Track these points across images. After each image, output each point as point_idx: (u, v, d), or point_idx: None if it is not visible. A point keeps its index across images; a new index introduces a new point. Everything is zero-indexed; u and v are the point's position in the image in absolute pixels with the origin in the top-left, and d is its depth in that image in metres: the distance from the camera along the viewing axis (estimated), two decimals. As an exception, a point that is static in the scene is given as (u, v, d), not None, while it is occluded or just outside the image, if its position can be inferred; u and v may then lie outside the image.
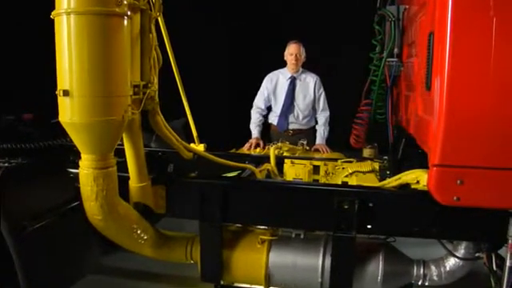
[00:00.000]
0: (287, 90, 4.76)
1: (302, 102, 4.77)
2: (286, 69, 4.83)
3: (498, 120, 1.70)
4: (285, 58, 4.81)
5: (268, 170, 3.08)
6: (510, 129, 1.70)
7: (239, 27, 7.60)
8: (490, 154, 1.74)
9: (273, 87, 4.83)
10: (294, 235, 2.51)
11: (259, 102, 4.86)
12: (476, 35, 1.68)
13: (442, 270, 2.41)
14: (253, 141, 4.51)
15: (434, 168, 1.82)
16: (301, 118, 4.79)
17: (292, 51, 4.70)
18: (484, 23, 1.66)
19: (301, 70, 4.81)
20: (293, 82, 4.76)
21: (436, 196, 1.85)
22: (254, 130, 4.76)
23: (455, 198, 1.81)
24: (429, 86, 1.88)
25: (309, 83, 4.77)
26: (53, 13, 1.89)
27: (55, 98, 1.97)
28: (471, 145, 1.74)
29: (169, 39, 2.92)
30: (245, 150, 4.31)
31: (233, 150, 4.16)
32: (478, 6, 1.66)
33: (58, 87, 1.92)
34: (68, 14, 1.83)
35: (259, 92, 4.90)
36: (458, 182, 1.78)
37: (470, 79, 1.69)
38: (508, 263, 1.84)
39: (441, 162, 1.78)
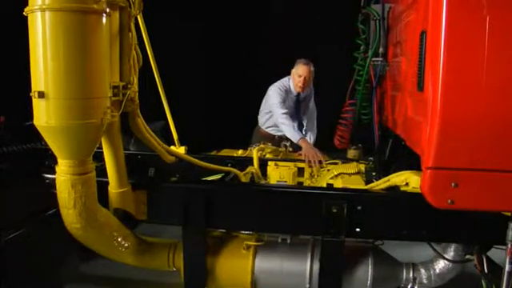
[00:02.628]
0: (296, 111, 4.55)
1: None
2: (290, 84, 4.52)
3: (493, 121, 1.66)
4: (292, 76, 4.51)
5: (252, 172, 3.01)
6: (506, 129, 1.66)
7: (220, 28, 7.50)
8: (486, 156, 1.69)
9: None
10: (280, 240, 2.46)
11: (283, 109, 4.39)
12: (471, 34, 1.63)
13: (432, 272, 2.39)
14: (313, 151, 3.52)
15: (428, 171, 1.77)
16: None
17: (301, 73, 4.38)
18: (479, 22, 1.61)
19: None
20: (298, 101, 4.57)
21: (430, 199, 1.80)
22: (298, 131, 4.16)
23: (449, 200, 1.77)
24: (421, 87, 1.83)
25: (307, 94, 4.63)
26: (26, 9, 1.78)
27: (29, 99, 1.86)
28: (466, 146, 1.69)
29: (148, 38, 2.82)
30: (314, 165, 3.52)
31: (213, 152, 4.06)
32: (473, 5, 1.62)
33: (33, 88, 1.82)
34: (43, 10, 1.73)
35: (277, 96, 4.40)
36: (453, 184, 1.74)
37: (464, 79, 1.64)
38: (507, 268, 1.81)
39: (435, 164, 1.73)
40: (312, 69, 4.45)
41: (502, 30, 1.64)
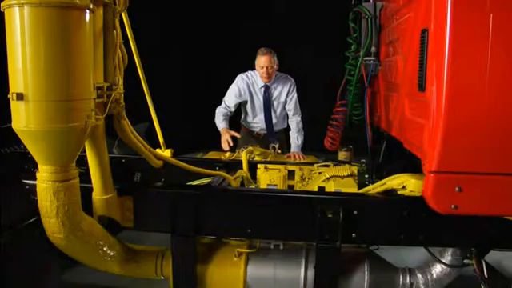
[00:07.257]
0: (264, 102, 4.50)
1: (277, 110, 4.61)
2: (257, 75, 4.51)
3: (498, 122, 1.60)
4: (256, 68, 4.47)
5: (242, 176, 2.91)
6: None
7: (204, 28, 7.39)
8: (491, 159, 1.63)
9: (248, 91, 4.51)
10: (272, 246, 2.38)
11: (231, 102, 4.51)
12: (476, 32, 1.56)
13: (429, 277, 2.34)
14: (226, 136, 4.15)
15: (431, 175, 1.70)
16: (274, 122, 4.64)
17: (263, 64, 4.33)
18: (485, 20, 1.55)
19: (274, 77, 4.50)
20: (267, 92, 4.50)
21: (432, 204, 1.74)
22: (222, 122, 4.40)
23: (453, 206, 1.70)
24: (423, 87, 1.76)
25: (282, 90, 4.55)
26: (2, 4, 1.66)
27: (7, 101, 1.74)
28: (471, 149, 1.63)
29: (133, 37, 2.71)
30: (225, 149, 4.05)
31: (200, 155, 3.97)
32: (478, 2, 1.55)
33: (11, 90, 1.70)
34: (21, 5, 1.61)
35: (231, 91, 4.53)
36: (457, 189, 1.67)
37: (470, 79, 1.58)
38: (517, 275, 1.75)
39: (438, 168, 1.66)
40: (274, 58, 4.40)
41: (506, 28, 1.58)
